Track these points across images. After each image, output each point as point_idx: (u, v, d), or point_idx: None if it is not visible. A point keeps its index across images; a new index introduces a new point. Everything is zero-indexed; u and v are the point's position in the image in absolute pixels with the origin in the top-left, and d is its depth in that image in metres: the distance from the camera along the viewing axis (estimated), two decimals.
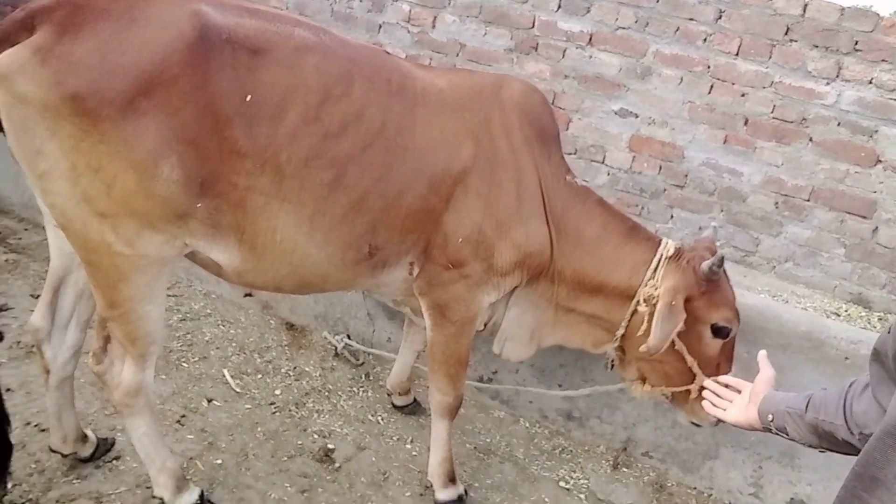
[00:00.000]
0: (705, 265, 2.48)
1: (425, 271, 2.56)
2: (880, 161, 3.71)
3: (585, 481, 3.17)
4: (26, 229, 4.21)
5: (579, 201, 2.65)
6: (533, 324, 2.82)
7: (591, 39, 4.29)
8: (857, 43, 3.71)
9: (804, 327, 3.01)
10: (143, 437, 2.40)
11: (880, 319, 3.56)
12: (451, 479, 2.84)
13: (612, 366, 2.86)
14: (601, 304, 2.67)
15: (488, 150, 2.48)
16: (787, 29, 3.84)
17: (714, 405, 1.94)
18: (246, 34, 2.10)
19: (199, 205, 2.10)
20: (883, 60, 3.66)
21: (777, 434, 1.69)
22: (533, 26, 4.41)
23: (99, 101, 1.88)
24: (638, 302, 2.57)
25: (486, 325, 2.83)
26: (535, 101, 2.65)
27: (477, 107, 2.51)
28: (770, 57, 3.89)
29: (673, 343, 2.44)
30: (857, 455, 1.39)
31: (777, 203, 3.93)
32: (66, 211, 2.01)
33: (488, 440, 3.33)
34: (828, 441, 1.56)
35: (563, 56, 4.37)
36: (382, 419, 3.30)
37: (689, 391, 2.58)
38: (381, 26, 4.77)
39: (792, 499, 3.09)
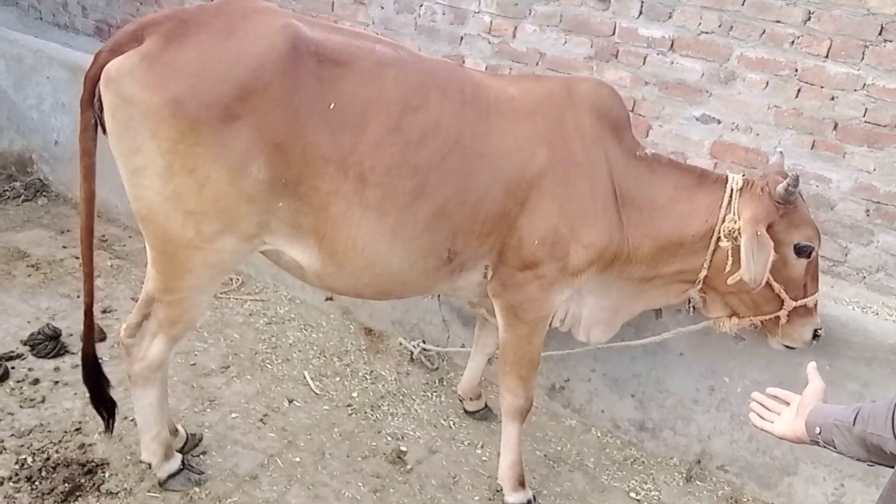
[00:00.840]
0: (780, 187, 2.51)
1: (499, 273, 2.62)
2: None
3: (657, 493, 3.13)
4: (130, 236, 4.56)
5: (649, 171, 2.69)
6: (614, 304, 2.86)
7: (672, 45, 4.22)
8: None
9: (892, 340, 2.87)
10: (147, 407, 2.57)
11: None
12: (521, 483, 2.88)
13: (693, 309, 2.90)
14: (682, 258, 2.71)
15: (562, 152, 2.53)
16: (882, 29, 3.65)
17: (761, 417, 1.89)
18: (332, 47, 2.24)
19: (281, 204, 2.25)
20: None
21: (825, 447, 1.65)
22: (613, 33, 4.38)
23: (198, 105, 2.06)
24: (719, 239, 2.61)
25: (562, 320, 2.87)
26: (604, 96, 2.70)
27: (549, 111, 2.57)
28: (862, 59, 3.72)
29: None
30: None
31: (868, 211, 3.74)
32: (153, 204, 2.18)
33: (559, 448, 3.34)
34: (876, 455, 1.51)
35: (644, 63, 4.32)
36: (454, 424, 3.37)
37: (778, 317, 2.64)
38: (462, 38, 4.86)
39: None
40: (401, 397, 3.49)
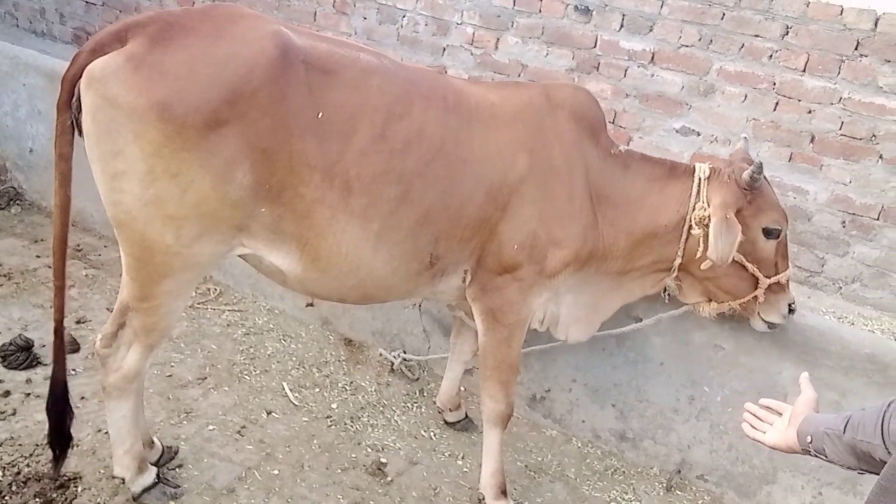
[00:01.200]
0: (746, 174, 2.61)
1: (478, 277, 2.65)
2: None
3: (637, 503, 3.12)
4: (105, 246, 4.48)
5: (623, 168, 2.76)
6: (592, 301, 2.91)
7: (653, 58, 4.26)
8: None
9: (868, 349, 2.90)
10: (121, 420, 2.50)
11: None
12: (503, 492, 2.88)
13: (669, 297, 2.98)
14: (657, 249, 2.78)
15: (542, 158, 2.58)
16: (858, 44, 3.72)
17: (754, 427, 1.89)
18: (319, 56, 2.25)
19: (264, 210, 2.24)
20: None
21: (816, 456, 1.65)
22: (595, 46, 4.42)
23: (186, 108, 2.02)
24: (690, 227, 2.69)
25: (541, 321, 2.90)
26: (581, 100, 2.76)
27: (528, 117, 2.62)
28: (839, 73, 3.78)
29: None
30: None
31: (844, 222, 3.80)
32: (131, 210, 2.13)
33: (540, 459, 3.33)
34: (866, 462, 1.52)
35: (625, 75, 4.36)
36: (435, 435, 3.35)
37: (755, 297, 2.73)
38: (445, 49, 4.87)
39: None
40: (381, 408, 3.45)
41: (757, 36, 3.95)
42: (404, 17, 4.94)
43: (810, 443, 1.65)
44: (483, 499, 2.90)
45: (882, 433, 1.44)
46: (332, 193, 2.26)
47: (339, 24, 5.14)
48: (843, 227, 3.80)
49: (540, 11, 4.53)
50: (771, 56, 3.93)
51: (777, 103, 3.94)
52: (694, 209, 2.67)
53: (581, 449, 3.43)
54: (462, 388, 3.48)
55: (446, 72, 4.71)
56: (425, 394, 3.62)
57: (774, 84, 3.93)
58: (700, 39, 4.11)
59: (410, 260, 2.47)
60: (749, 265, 2.68)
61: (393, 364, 3.68)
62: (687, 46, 4.15)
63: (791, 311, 2.82)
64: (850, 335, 3.00)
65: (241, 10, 2.28)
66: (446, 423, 3.41)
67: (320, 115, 2.19)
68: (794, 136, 3.89)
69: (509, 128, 2.56)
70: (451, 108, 2.47)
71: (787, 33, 3.88)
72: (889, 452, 1.42)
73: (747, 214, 2.64)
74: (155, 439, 2.82)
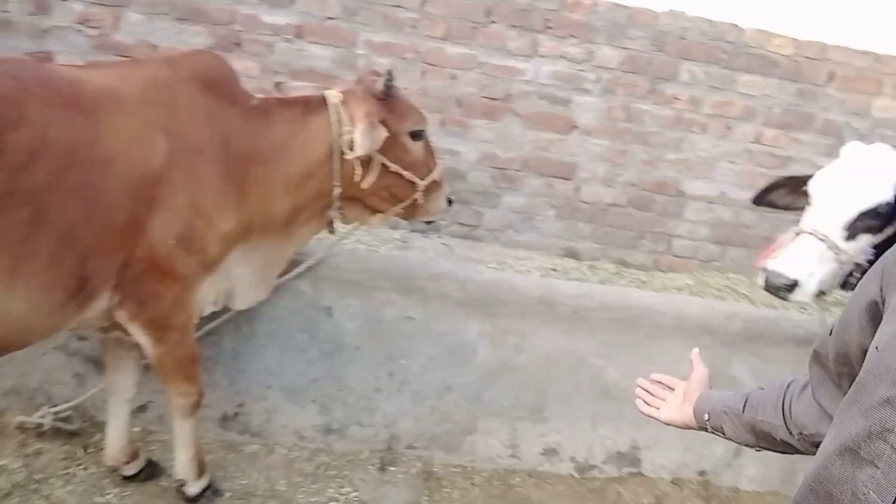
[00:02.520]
0: (379, 84, 2.66)
1: (130, 294, 2.32)
2: (575, 127, 4.06)
3: (356, 493, 3.00)
4: None
5: (264, 119, 2.57)
6: (265, 262, 2.76)
7: (298, 32, 4.11)
8: (548, 21, 3.96)
9: (538, 293, 3.19)
10: None
11: (590, 268, 3.93)
12: (202, 471, 2.77)
13: (333, 229, 2.90)
14: (316, 188, 2.65)
15: (182, 139, 2.32)
16: (488, 11, 3.98)
17: (647, 404, 1.83)
18: None
19: None
20: (571, 36, 3.97)
21: (713, 433, 1.65)
22: (233, 21, 4.11)
23: None
24: (343, 153, 2.60)
25: (215, 301, 2.70)
26: (207, 64, 2.54)
27: (157, 96, 2.32)
28: (475, 39, 4.01)
29: (387, 167, 2.66)
30: (795, 454, 1.44)
31: (493, 177, 4.12)
32: None
33: (245, 481, 2.98)
34: (766, 441, 1.54)
35: (272, 51, 4.14)
36: (114, 496, 2.75)
37: (416, 199, 2.80)
38: (48, 31, 4.11)
39: (545, 449, 3.31)
40: (34, 486, 2.72)
41: (398, 6, 4.01)
42: None
43: (707, 420, 1.65)
44: (184, 485, 2.71)
45: (783, 414, 1.46)
46: None
47: None
48: (493, 181, 4.12)
49: None
50: (413, 26, 4.03)
51: (424, 72, 4.06)
52: (341, 135, 2.60)
53: (287, 455, 3.17)
54: (136, 429, 2.96)
55: (52, 59, 3.97)
56: (91, 449, 2.93)
57: (419, 53, 4.03)
58: (343, 11, 4.06)
59: (54, 291, 2.08)
60: (405, 172, 2.72)
61: (42, 425, 2.92)
62: (332, 19, 4.08)
63: (450, 202, 2.96)
64: (521, 282, 3.25)
65: None
66: (125, 478, 2.83)
67: None
68: (442, 101, 4.05)
69: (139, 112, 2.24)
70: (70, 103, 2.10)
71: (424, 3, 3.99)
72: (790, 433, 1.45)
73: (392, 123, 2.66)
74: None
